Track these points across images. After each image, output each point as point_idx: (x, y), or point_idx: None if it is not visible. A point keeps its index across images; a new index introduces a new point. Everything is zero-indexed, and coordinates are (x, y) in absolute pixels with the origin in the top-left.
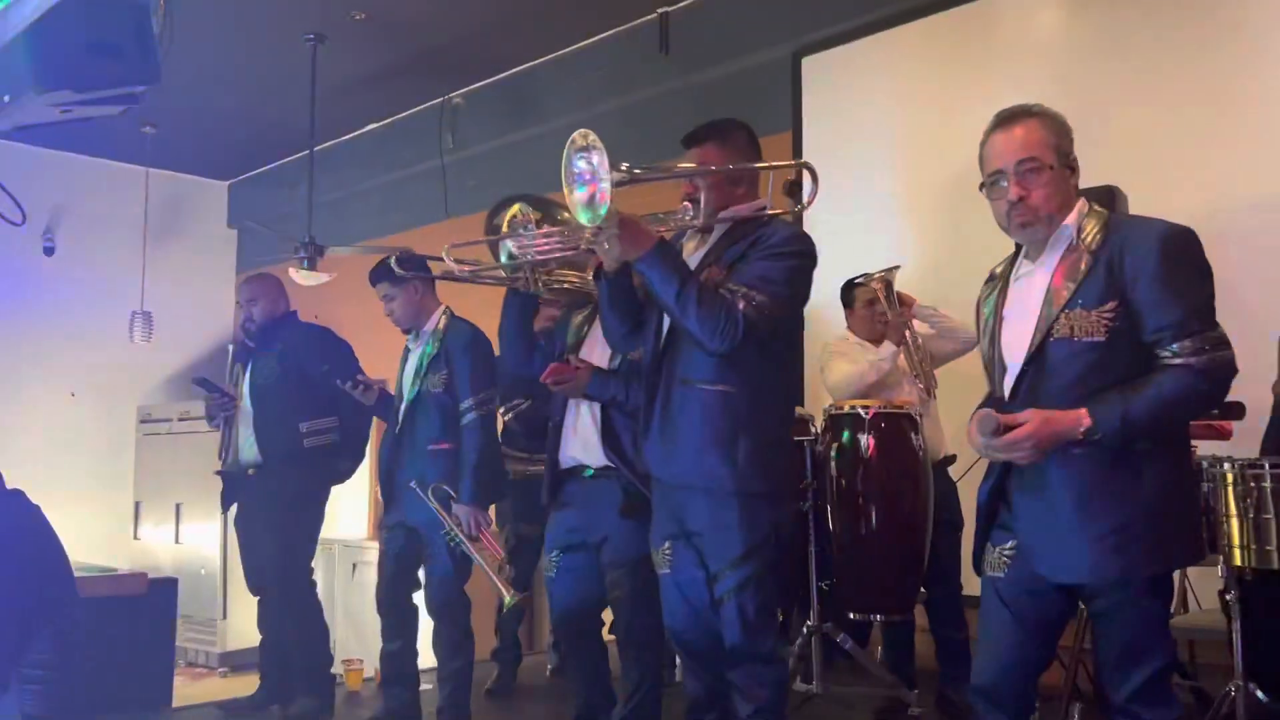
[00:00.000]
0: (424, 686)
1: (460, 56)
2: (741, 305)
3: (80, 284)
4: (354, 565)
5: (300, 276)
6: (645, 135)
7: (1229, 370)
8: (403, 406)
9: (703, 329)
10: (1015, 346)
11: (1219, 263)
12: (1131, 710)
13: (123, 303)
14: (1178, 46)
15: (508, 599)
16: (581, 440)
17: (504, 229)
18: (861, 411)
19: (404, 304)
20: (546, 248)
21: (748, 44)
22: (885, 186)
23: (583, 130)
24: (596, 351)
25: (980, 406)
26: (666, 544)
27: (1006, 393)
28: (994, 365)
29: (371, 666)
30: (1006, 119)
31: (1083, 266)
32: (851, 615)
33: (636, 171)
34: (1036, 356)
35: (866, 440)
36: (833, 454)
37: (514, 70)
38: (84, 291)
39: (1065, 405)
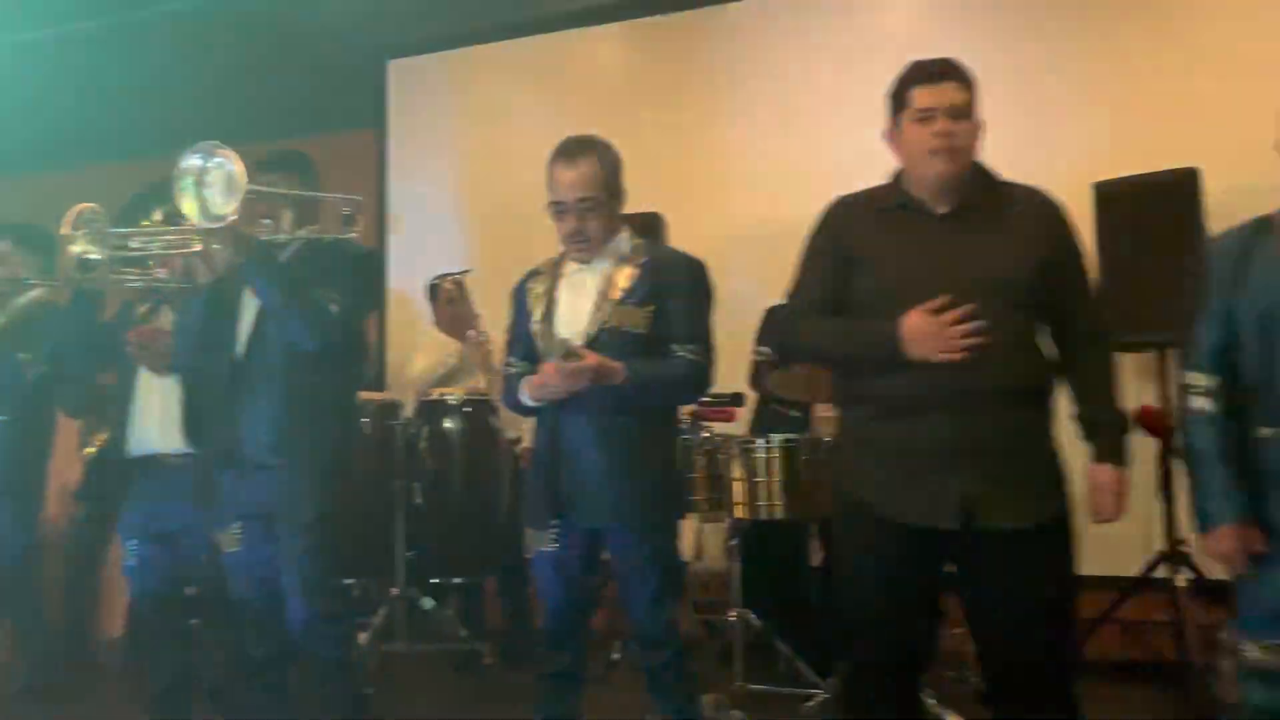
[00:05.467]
0: None
1: None
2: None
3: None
4: None
5: None
6: None
7: (710, 375)
8: None
9: (301, 333)
10: (573, 328)
11: (735, 282)
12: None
13: None
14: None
15: None
16: (158, 425)
17: None
18: (450, 399)
19: None
20: None
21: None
22: (465, 194)
23: None
24: None
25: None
26: (237, 525)
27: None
28: (551, 339)
29: None
30: (571, 152)
31: (630, 275)
32: (432, 580)
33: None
34: (594, 341)
35: (454, 424)
36: (423, 436)
37: None
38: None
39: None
